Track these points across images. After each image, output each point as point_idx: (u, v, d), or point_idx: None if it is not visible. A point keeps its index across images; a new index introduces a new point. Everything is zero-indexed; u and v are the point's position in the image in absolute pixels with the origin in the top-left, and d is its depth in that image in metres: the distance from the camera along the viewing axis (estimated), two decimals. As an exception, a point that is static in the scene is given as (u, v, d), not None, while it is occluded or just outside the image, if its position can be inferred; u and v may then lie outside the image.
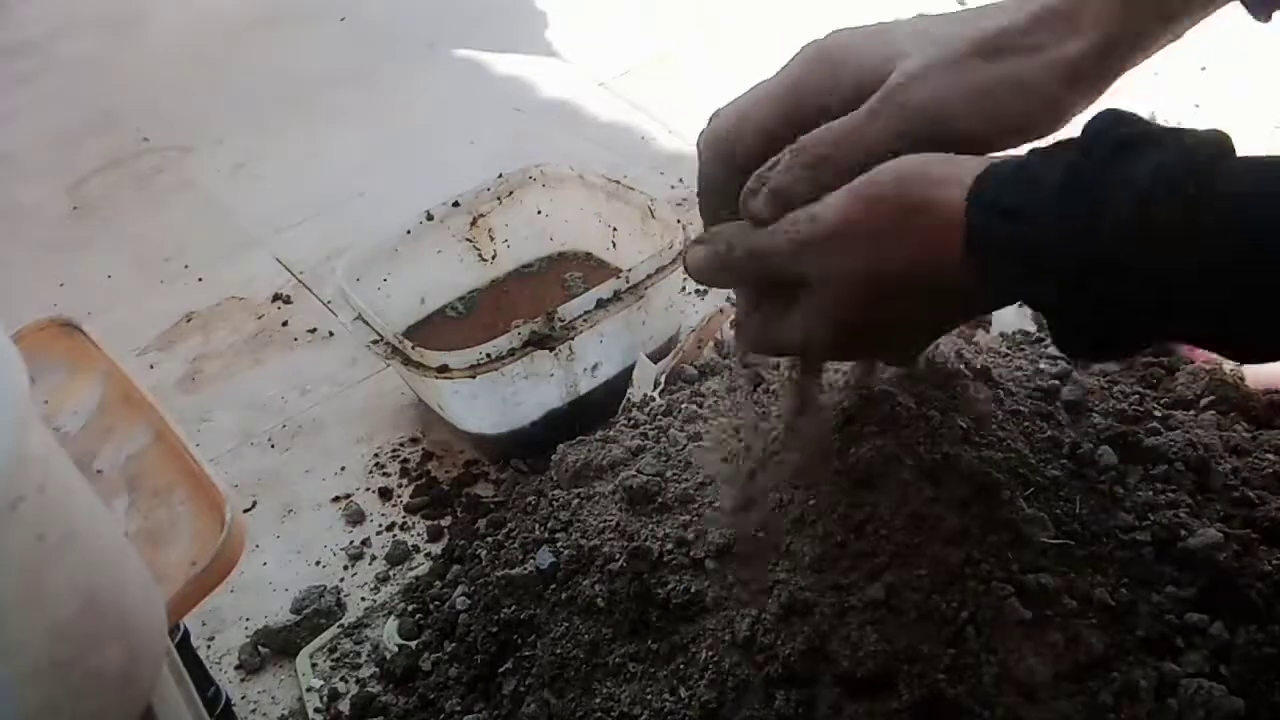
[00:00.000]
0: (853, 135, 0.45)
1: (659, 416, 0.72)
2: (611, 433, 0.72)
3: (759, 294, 0.50)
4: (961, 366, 0.59)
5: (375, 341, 0.83)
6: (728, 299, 0.97)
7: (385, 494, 0.86)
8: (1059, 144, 0.41)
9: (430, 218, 0.98)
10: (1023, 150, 0.42)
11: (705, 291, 1.03)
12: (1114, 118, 0.39)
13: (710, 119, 0.51)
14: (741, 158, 0.48)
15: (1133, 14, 0.45)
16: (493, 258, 1.04)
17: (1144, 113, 0.39)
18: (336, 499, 0.87)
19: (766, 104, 0.48)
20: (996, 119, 0.45)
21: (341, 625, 0.73)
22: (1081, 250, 0.37)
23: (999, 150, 0.45)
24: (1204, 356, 0.71)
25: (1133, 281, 0.37)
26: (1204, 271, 0.36)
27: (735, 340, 0.55)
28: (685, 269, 0.51)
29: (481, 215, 1.01)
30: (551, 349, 0.79)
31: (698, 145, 0.51)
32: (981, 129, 0.45)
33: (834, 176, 0.44)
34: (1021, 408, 0.59)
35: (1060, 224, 0.38)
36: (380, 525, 0.83)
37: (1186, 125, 0.40)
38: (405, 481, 0.87)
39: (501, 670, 0.61)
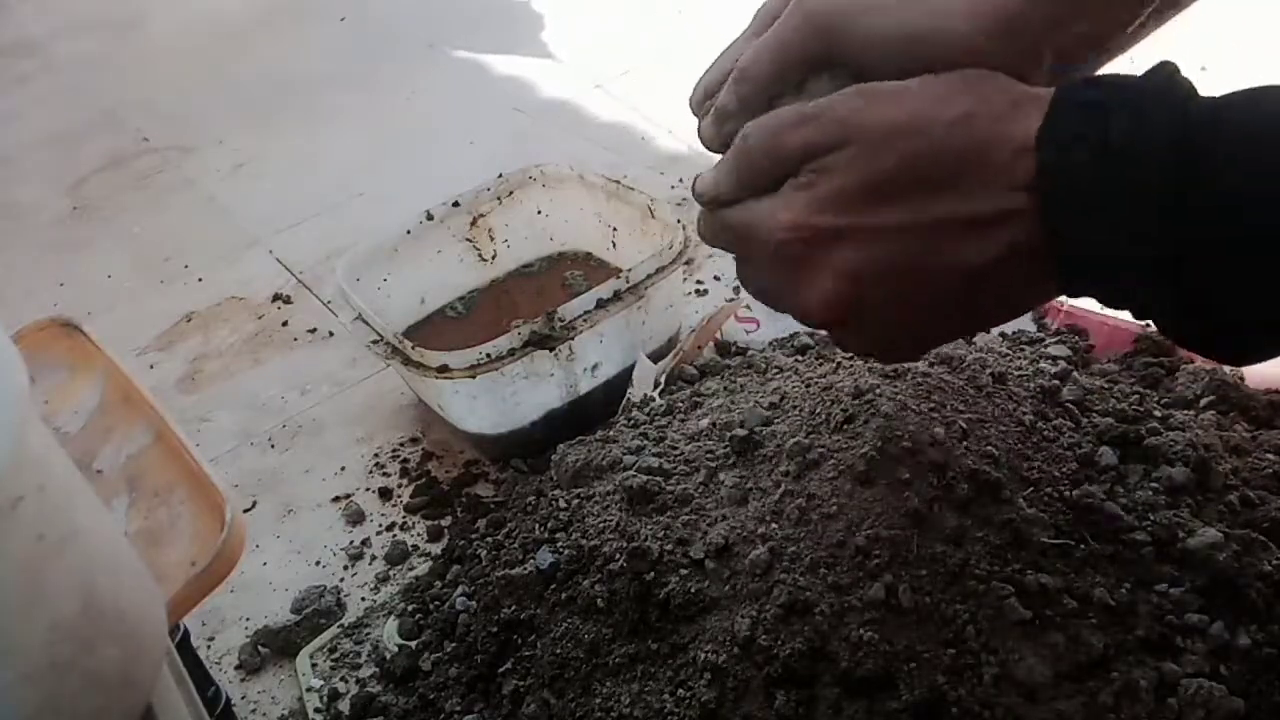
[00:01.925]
0: (775, 49, 0.43)
1: (659, 416, 0.72)
2: (611, 433, 0.72)
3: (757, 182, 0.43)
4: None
5: (375, 341, 0.83)
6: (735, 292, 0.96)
7: (385, 494, 0.86)
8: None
9: (430, 218, 0.98)
10: None
11: (705, 291, 1.03)
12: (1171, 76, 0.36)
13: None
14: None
15: None
16: (493, 258, 1.04)
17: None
18: (336, 499, 0.87)
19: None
20: (906, 25, 0.39)
21: (341, 625, 0.73)
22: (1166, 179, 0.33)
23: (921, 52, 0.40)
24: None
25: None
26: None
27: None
28: (700, 135, 0.47)
29: (481, 215, 1.01)
30: (551, 349, 0.79)
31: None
32: (890, 31, 0.40)
33: (760, 91, 0.43)
34: (1022, 408, 0.59)
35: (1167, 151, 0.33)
36: (380, 525, 0.83)
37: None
38: (405, 481, 0.87)
39: (501, 670, 0.61)
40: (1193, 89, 0.36)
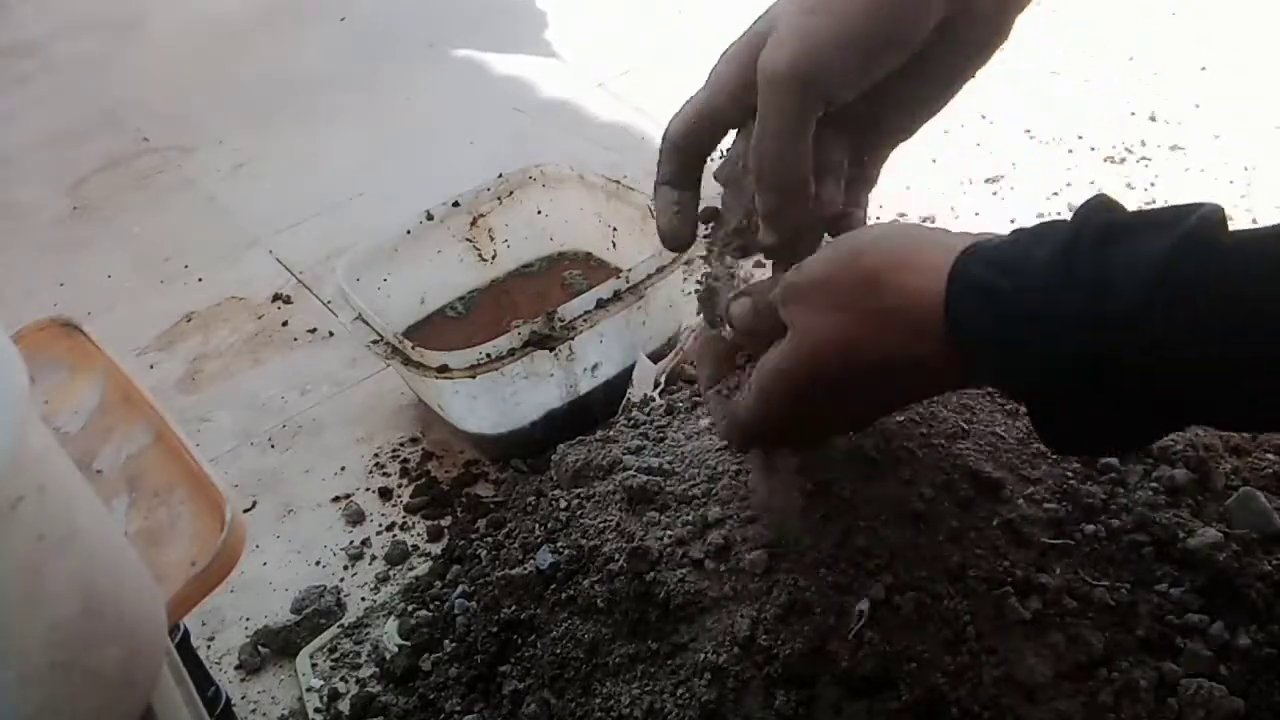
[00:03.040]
0: (761, 129, 0.47)
1: (659, 416, 0.72)
2: (611, 433, 0.72)
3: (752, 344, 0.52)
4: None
5: (375, 341, 0.83)
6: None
7: (385, 494, 0.86)
8: (1045, 225, 0.39)
9: (430, 218, 0.98)
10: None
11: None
12: (1102, 202, 0.38)
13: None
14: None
15: None
16: (493, 258, 1.04)
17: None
18: (336, 499, 0.87)
19: (696, 108, 0.51)
20: (847, 27, 0.44)
21: (341, 625, 0.73)
22: (1083, 338, 0.35)
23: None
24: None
25: (1144, 371, 0.35)
26: (1220, 357, 0.34)
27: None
28: (730, 323, 0.52)
29: (481, 215, 1.01)
30: (551, 349, 0.79)
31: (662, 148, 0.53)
32: (841, 42, 0.44)
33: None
34: (1021, 408, 0.59)
35: (1061, 308, 0.36)
36: (380, 525, 0.83)
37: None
38: (405, 481, 0.87)
39: (501, 670, 0.60)
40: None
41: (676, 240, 0.53)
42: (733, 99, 0.49)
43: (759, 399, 0.47)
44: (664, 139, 0.52)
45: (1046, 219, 0.40)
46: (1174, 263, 0.34)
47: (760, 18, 0.48)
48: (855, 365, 0.43)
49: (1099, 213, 0.37)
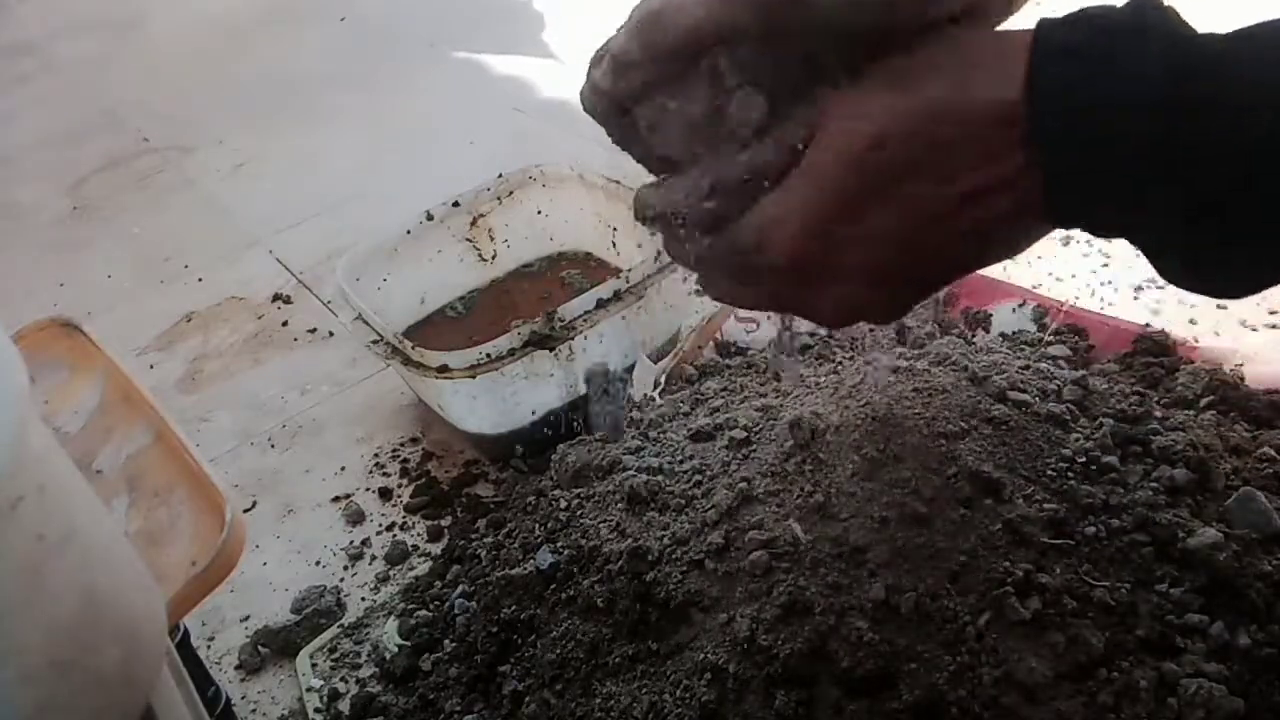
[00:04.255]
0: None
1: (659, 417, 0.72)
2: (611, 433, 0.72)
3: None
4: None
5: (375, 341, 0.83)
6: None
7: (385, 494, 0.86)
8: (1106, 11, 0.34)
9: (430, 218, 0.98)
10: None
11: (705, 291, 1.03)
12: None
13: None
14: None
15: None
16: (493, 258, 1.04)
17: None
18: (336, 499, 0.87)
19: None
20: None
21: (341, 625, 0.73)
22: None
23: None
24: (1204, 357, 0.71)
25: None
26: None
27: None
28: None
29: (481, 215, 1.01)
30: (551, 349, 0.79)
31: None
32: None
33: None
34: (1022, 408, 0.59)
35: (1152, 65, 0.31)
36: (380, 525, 0.83)
37: None
38: (405, 481, 0.87)
39: (501, 670, 0.60)
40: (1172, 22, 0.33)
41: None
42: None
43: (780, 204, 0.37)
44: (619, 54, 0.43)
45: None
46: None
47: None
48: (923, 131, 0.35)
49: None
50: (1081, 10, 0.34)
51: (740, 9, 0.36)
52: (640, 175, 0.45)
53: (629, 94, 0.41)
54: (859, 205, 0.36)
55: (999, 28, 0.40)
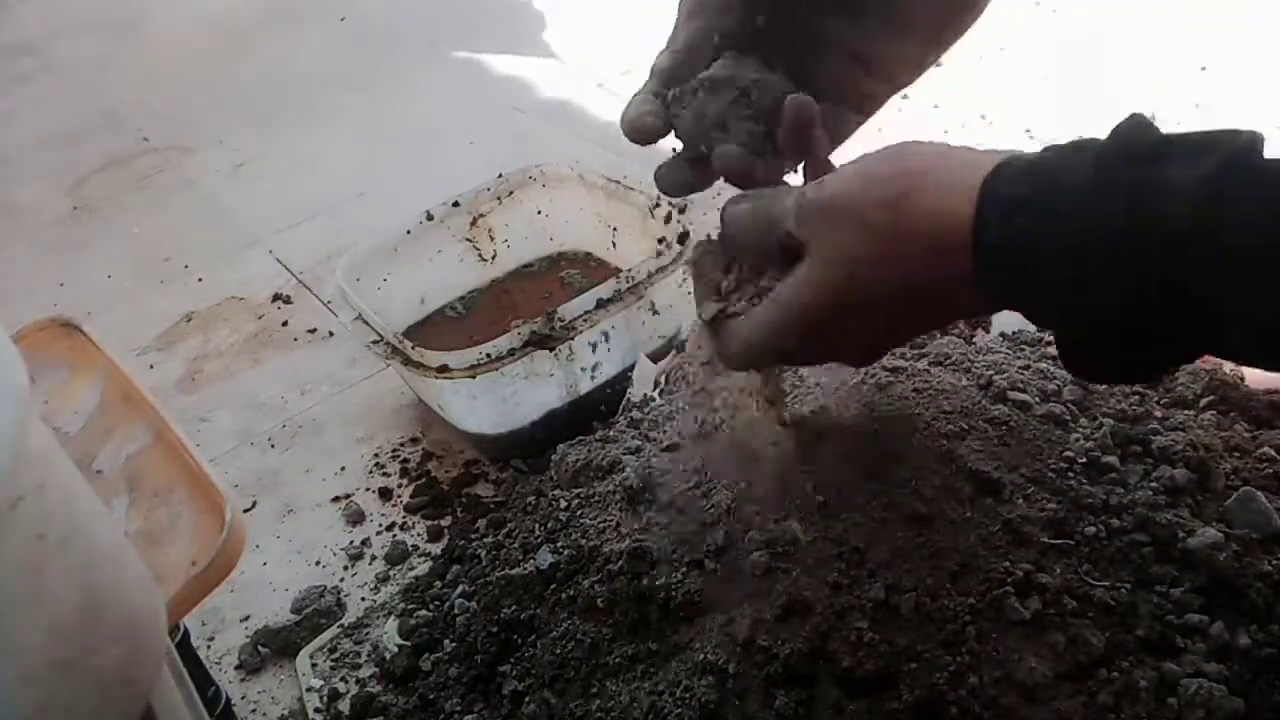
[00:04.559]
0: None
1: (659, 416, 0.72)
2: (611, 433, 0.72)
3: (758, 265, 0.48)
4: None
5: (375, 341, 0.83)
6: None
7: (385, 494, 0.86)
8: (1073, 144, 0.38)
9: (430, 218, 0.98)
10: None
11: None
12: (1137, 123, 0.36)
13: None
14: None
15: None
16: (493, 258, 1.04)
17: (1145, 112, 0.38)
18: (336, 499, 0.87)
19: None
20: None
21: (341, 625, 0.73)
22: (1126, 257, 0.34)
23: None
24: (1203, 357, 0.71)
25: (1190, 292, 0.34)
26: (1266, 280, 0.32)
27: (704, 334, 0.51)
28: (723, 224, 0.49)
29: (481, 215, 1.01)
30: (551, 349, 0.79)
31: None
32: None
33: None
34: (1022, 408, 0.59)
35: (1094, 228, 0.35)
36: (380, 525, 0.83)
37: (1191, 128, 0.37)
38: (405, 481, 0.87)
39: (501, 670, 0.60)
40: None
41: (642, 127, 0.50)
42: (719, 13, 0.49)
43: (771, 321, 0.45)
44: (651, 73, 0.51)
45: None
46: (1220, 186, 0.33)
47: None
48: (877, 287, 0.41)
49: (1135, 132, 0.36)
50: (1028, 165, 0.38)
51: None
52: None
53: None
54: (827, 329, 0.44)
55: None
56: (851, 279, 0.42)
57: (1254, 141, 0.34)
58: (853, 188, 0.42)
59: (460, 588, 0.69)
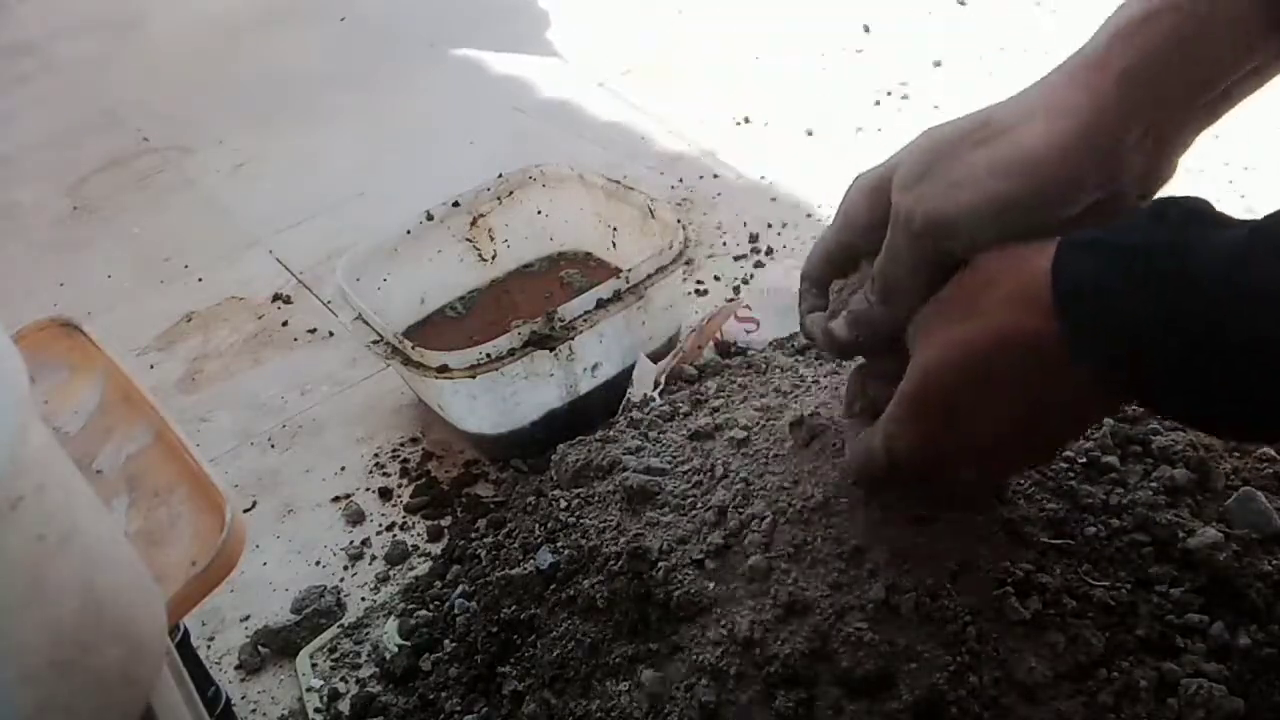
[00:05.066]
0: (888, 258, 0.49)
1: (659, 416, 0.72)
2: (611, 433, 0.72)
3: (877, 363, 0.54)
4: None
5: (375, 341, 0.83)
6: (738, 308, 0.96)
7: (385, 494, 0.86)
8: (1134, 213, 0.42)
9: (430, 218, 0.98)
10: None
11: (705, 291, 1.03)
12: (1191, 202, 0.40)
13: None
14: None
15: (1130, 93, 0.44)
16: (493, 258, 1.04)
17: None
18: (336, 499, 0.87)
19: (828, 247, 0.54)
20: (990, 198, 0.45)
21: (341, 625, 0.73)
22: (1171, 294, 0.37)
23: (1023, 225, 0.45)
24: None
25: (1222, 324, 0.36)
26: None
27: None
28: (835, 338, 0.53)
29: (481, 215, 1.01)
30: (551, 349, 0.79)
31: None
32: (981, 209, 0.45)
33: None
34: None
35: (1152, 268, 0.37)
36: (380, 525, 0.83)
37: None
38: (405, 481, 0.87)
39: (501, 670, 0.61)
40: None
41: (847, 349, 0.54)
42: (864, 234, 0.51)
43: (891, 424, 0.48)
44: (803, 278, 0.56)
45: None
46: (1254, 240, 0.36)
47: (896, 154, 0.50)
48: (977, 363, 0.44)
49: (1185, 201, 0.40)
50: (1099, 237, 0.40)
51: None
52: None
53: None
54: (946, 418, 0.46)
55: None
56: (953, 358, 0.45)
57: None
58: (949, 289, 0.46)
59: (460, 588, 0.69)
